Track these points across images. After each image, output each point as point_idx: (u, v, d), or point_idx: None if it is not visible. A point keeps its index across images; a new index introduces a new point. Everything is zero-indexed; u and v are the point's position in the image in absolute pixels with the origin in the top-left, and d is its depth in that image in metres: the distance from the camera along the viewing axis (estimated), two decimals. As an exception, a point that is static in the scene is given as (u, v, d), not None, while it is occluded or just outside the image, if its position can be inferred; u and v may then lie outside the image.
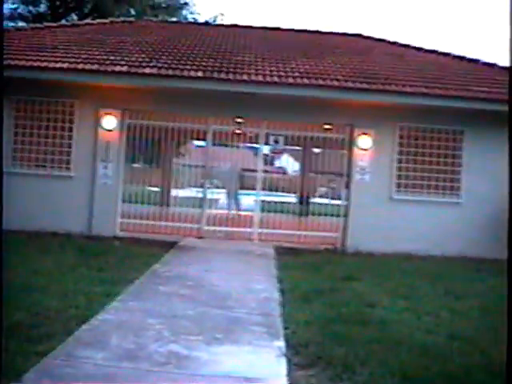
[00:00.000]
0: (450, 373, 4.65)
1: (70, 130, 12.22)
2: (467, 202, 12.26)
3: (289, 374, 4.47)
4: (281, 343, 5.24)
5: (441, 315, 6.79)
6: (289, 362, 4.77)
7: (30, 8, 29.18)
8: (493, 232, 11.86)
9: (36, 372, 4.17)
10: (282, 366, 4.65)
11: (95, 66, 11.76)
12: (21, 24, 25.77)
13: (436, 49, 15.62)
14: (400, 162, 12.40)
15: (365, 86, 11.88)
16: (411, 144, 12.42)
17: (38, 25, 16.52)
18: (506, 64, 13.07)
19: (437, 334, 5.89)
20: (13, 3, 28.07)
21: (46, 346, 4.70)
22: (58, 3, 29.29)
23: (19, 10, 28.75)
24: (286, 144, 14.43)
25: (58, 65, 11.68)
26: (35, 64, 11.62)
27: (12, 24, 25.17)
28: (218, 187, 16.00)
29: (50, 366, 4.33)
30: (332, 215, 13.66)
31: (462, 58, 15.06)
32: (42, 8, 29.53)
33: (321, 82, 11.87)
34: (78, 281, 7.34)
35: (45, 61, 11.76)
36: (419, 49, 15.72)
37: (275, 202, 14.18)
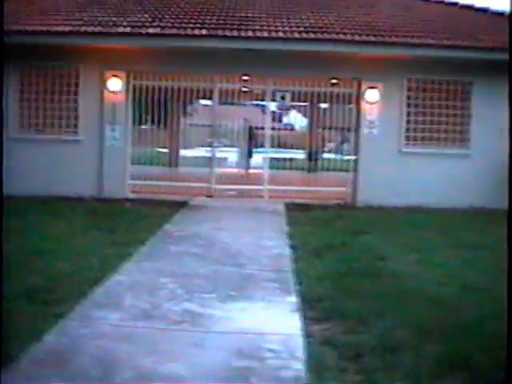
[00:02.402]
0: (463, 323, 4.67)
1: (76, 93, 12.17)
2: (476, 154, 12.17)
3: (303, 329, 4.51)
4: (294, 298, 5.28)
5: (452, 267, 6.81)
6: (303, 316, 4.81)
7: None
8: (503, 183, 11.79)
9: (55, 333, 4.23)
10: (296, 321, 4.68)
11: (98, 28, 11.64)
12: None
13: (443, -2, 15.36)
14: (408, 114, 12.30)
15: (372, 38, 11.72)
16: (419, 96, 12.29)
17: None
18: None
19: (449, 286, 5.91)
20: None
21: (62, 308, 4.75)
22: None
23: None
24: (293, 100, 14.32)
25: (60, 28, 11.58)
26: (37, 28, 11.52)
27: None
28: (226, 146, 15.96)
29: (68, 327, 4.40)
30: (341, 170, 13.64)
31: (469, 8, 14.78)
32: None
33: (327, 36, 11.71)
34: (91, 243, 7.41)
35: (47, 24, 11.66)
36: (425, -1, 15.44)
37: (284, 159, 14.15)
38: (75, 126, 12.21)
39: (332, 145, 20.96)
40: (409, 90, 12.28)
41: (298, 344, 4.19)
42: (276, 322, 4.71)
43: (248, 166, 17.27)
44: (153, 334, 4.37)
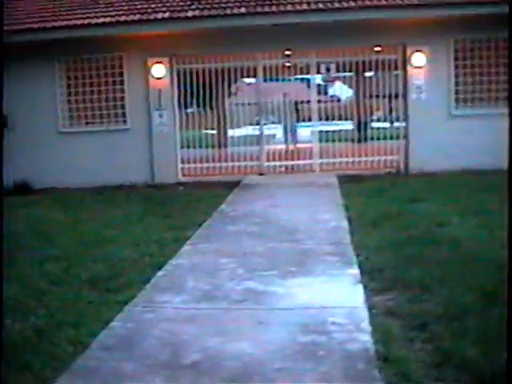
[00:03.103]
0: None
1: (122, 83, 12.29)
2: (531, 111, 11.80)
3: (367, 300, 4.49)
4: (355, 270, 5.25)
5: (514, 228, 6.64)
6: (365, 288, 4.78)
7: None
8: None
9: (121, 319, 4.31)
10: (358, 293, 4.66)
11: (137, 16, 11.71)
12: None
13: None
14: (457, 76, 11.99)
15: (414, 1, 11.44)
16: (467, 57, 11.97)
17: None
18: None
19: (512, 247, 5.78)
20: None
21: (125, 295, 4.84)
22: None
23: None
24: (337, 71, 14.14)
25: (101, 20, 11.68)
26: (78, 22, 11.65)
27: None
28: (273, 122, 15.90)
29: (133, 313, 4.47)
30: (391, 138, 13.44)
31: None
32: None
33: (367, 2, 11.49)
34: (148, 229, 7.51)
35: (87, 18, 11.78)
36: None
37: (333, 131, 14.00)
38: (123, 114, 12.36)
39: (380, 113, 20.65)
40: (456, 50, 11.95)
41: (363, 316, 4.17)
42: (338, 295, 4.70)
43: (296, 141, 17.17)
44: (217, 314, 4.42)
